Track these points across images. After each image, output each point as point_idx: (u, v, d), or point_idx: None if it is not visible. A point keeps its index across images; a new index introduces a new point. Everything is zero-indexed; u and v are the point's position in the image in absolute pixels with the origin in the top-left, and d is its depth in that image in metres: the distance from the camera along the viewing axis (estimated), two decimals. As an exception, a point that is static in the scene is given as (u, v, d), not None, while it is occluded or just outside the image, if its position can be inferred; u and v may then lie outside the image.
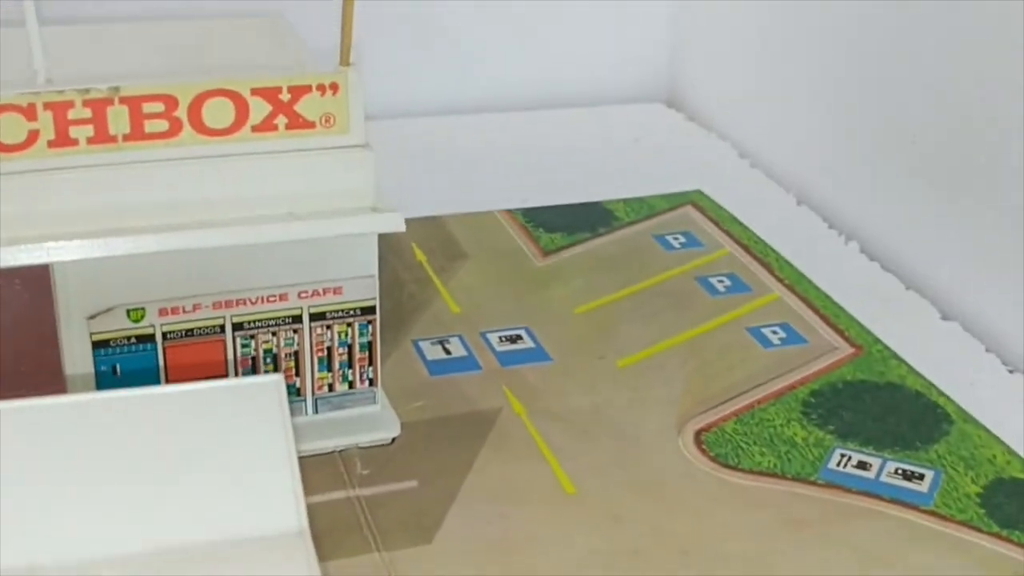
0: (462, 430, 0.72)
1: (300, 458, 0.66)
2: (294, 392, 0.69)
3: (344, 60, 0.63)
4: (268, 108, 0.62)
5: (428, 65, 1.33)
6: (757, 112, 1.23)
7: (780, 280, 0.92)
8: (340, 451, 0.69)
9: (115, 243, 0.58)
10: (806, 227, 1.06)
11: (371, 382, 0.71)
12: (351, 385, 0.70)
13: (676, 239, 0.98)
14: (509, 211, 1.01)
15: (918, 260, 0.97)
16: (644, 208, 1.04)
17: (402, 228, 0.62)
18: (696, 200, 1.06)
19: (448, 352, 0.81)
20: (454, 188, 1.10)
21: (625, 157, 1.22)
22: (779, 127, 1.18)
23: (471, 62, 1.33)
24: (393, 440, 0.70)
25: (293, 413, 0.70)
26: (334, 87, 0.63)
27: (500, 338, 0.82)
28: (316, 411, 0.70)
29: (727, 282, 0.91)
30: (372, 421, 0.71)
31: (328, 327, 0.69)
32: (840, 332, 0.85)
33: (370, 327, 0.69)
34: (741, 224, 1.01)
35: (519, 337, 0.83)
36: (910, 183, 0.99)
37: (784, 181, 1.15)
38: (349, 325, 0.69)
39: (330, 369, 0.70)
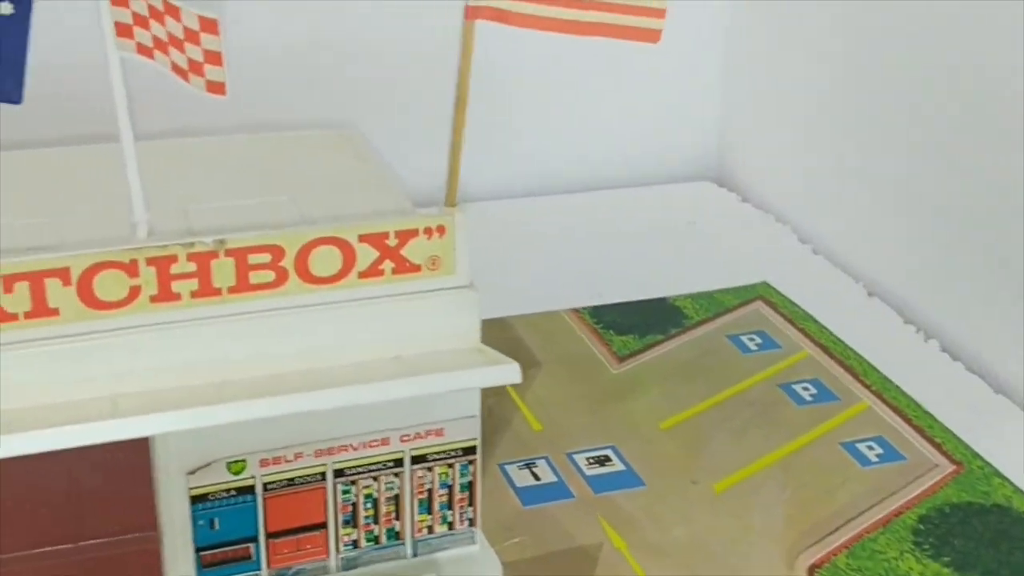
0: (565, 569, 0.69)
1: None
2: (393, 536, 0.67)
3: (450, 201, 0.61)
4: (375, 254, 0.60)
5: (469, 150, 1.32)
6: (813, 192, 1.21)
7: (866, 386, 0.89)
8: (445, 600, 0.67)
9: (222, 411, 0.55)
10: (880, 322, 1.03)
11: (471, 522, 0.68)
12: (450, 526, 0.68)
13: (752, 340, 0.96)
14: (576, 311, 0.99)
15: (1006, 362, 0.94)
16: (712, 305, 1.01)
17: (519, 380, 0.59)
18: (764, 294, 1.03)
19: (537, 478, 0.78)
20: (510, 276, 1.07)
21: (682, 242, 1.20)
22: (839, 208, 1.16)
23: (510, 145, 1.32)
24: None
25: (389, 557, 0.68)
26: (440, 230, 0.61)
27: (588, 459, 0.80)
28: (415, 554, 0.67)
29: (812, 389, 0.89)
30: (473, 563, 0.68)
31: (429, 469, 0.66)
32: (937, 446, 0.82)
33: (471, 467, 0.67)
34: (815, 321, 0.99)
35: (607, 459, 0.80)
36: (988, 271, 0.97)
37: (850, 269, 1.13)
38: (450, 466, 0.66)
39: (430, 512, 0.67)
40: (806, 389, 0.89)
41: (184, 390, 0.58)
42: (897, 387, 0.89)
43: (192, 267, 0.57)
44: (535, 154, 1.32)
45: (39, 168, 0.72)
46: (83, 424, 0.54)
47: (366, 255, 0.60)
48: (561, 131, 1.32)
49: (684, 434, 0.83)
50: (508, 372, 0.59)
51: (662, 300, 1.01)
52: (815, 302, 1.04)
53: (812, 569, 0.70)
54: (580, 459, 0.80)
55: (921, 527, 0.74)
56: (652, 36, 0.56)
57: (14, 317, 0.55)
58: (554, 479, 0.78)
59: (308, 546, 0.65)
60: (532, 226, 1.22)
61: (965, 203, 1.00)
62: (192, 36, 0.51)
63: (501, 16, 0.55)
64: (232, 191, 0.68)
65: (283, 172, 0.75)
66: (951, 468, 0.80)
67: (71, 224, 0.62)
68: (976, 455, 0.81)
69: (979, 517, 0.75)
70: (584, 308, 0.99)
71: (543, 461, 0.79)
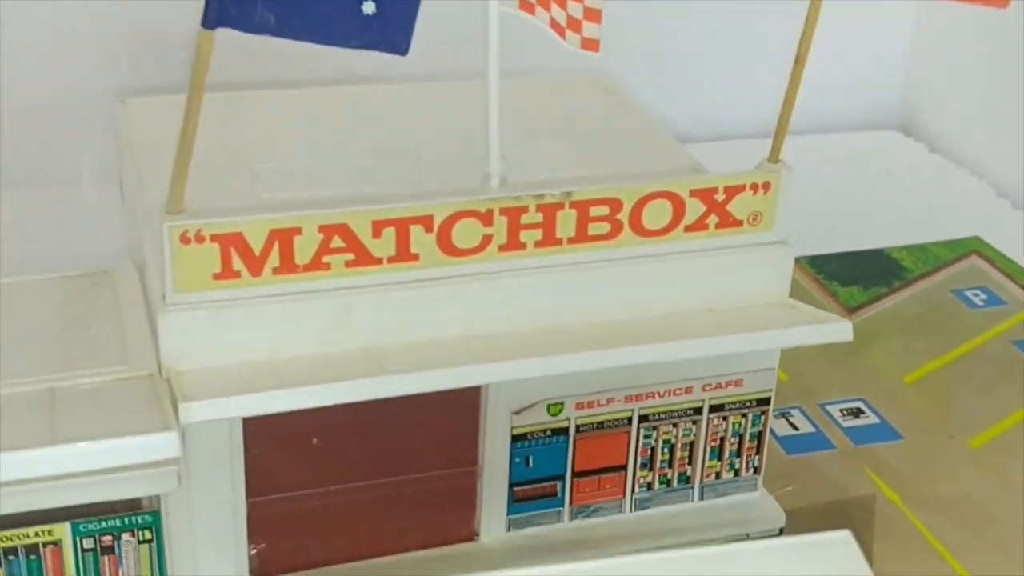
0: (842, 519, 0.71)
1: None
2: (683, 480, 0.69)
3: (774, 157, 0.62)
4: (703, 208, 0.61)
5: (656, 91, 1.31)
6: (1008, 144, 1.20)
7: (1101, 345, 0.90)
8: (732, 541, 0.69)
9: (559, 361, 0.57)
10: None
11: (755, 470, 0.70)
12: (736, 473, 0.70)
13: (976, 296, 0.96)
14: (797, 259, 1.00)
15: None
16: (929, 258, 1.02)
17: (850, 338, 0.61)
18: (978, 248, 1.03)
19: (795, 428, 0.80)
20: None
21: (877, 192, 1.20)
22: None
23: (698, 89, 1.31)
24: (780, 531, 0.70)
25: (677, 500, 0.71)
26: (766, 186, 0.62)
27: (841, 411, 0.81)
28: (702, 498, 0.69)
29: (1048, 348, 0.90)
30: (756, 509, 0.70)
31: (724, 418, 0.68)
32: None
33: (762, 417, 0.68)
34: (1035, 278, 0.99)
35: (860, 411, 0.82)
36: None
37: None
38: (744, 416, 0.68)
39: (720, 458, 0.69)
40: None
41: (522, 336, 0.60)
42: None
43: (539, 218, 0.59)
44: (717, 99, 1.33)
45: (361, 105, 0.75)
46: (440, 369, 0.56)
47: (695, 209, 0.62)
48: (740, 74, 1.32)
49: (930, 388, 0.84)
50: (840, 330, 0.61)
51: (878, 252, 1.02)
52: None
53: (1086, 529, 0.72)
54: (833, 410, 0.81)
55: None
56: (1002, 2, 0.57)
57: (379, 261, 0.57)
58: (812, 429, 0.80)
59: (608, 486, 0.67)
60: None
61: None
62: (576, -7, 0.53)
63: None
64: (519, 137, 0.70)
65: (557, 118, 0.76)
66: None
67: (409, 169, 0.65)
68: None
69: None
70: (803, 257, 1.00)
71: (797, 411, 0.81)
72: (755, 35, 1.27)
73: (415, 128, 0.74)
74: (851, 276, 0.98)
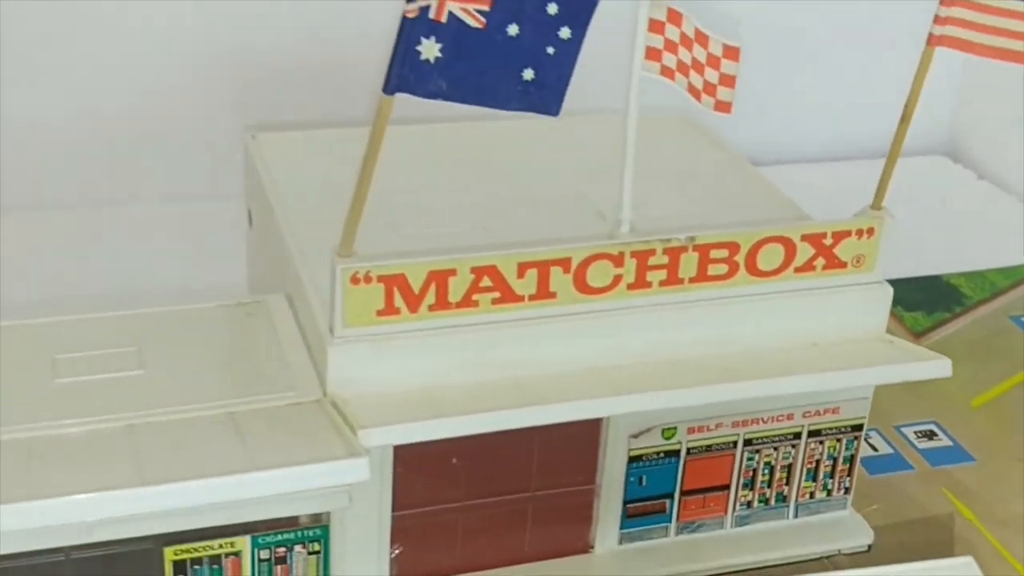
0: (923, 536, 0.76)
1: (787, 564, 0.72)
2: (780, 499, 0.74)
3: (877, 204, 0.68)
4: (812, 251, 0.67)
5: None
6: None
7: None
8: (825, 557, 0.75)
9: (682, 395, 0.62)
10: None
11: (846, 491, 0.75)
12: (828, 493, 0.75)
13: None
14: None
15: None
16: (986, 284, 1.07)
17: (949, 374, 0.66)
18: None
19: (874, 449, 0.85)
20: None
21: (929, 217, 1.24)
22: None
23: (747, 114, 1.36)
24: (869, 547, 0.75)
25: (774, 518, 0.76)
26: (870, 231, 0.67)
27: (916, 433, 0.87)
28: (796, 516, 0.75)
29: (1104, 374, 0.95)
30: (846, 527, 0.75)
31: (821, 442, 0.73)
32: None
33: (855, 442, 0.74)
34: (1088, 306, 1.04)
35: (934, 433, 0.87)
36: None
37: None
38: (839, 440, 0.74)
39: (815, 479, 0.74)
40: None
41: (647, 368, 0.65)
42: None
43: (665, 260, 0.64)
44: (765, 124, 1.38)
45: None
46: (581, 401, 0.62)
47: (804, 252, 0.67)
48: (794, 101, 1.37)
49: (997, 412, 0.89)
50: (939, 367, 0.66)
51: (937, 278, 1.07)
52: None
53: None
54: (908, 432, 0.86)
55: None
56: None
57: (521, 298, 0.62)
58: (890, 451, 0.85)
59: (711, 504, 0.73)
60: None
61: None
62: (713, 61, 0.58)
63: (965, 46, 0.61)
64: (609, 175, 0.74)
65: (653, 158, 0.81)
66: None
67: (539, 213, 0.70)
68: None
69: None
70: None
71: (874, 432, 0.86)
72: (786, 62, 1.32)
73: (532, 162, 0.80)
74: (914, 301, 1.03)
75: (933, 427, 0.88)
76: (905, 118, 0.65)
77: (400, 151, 0.81)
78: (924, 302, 1.05)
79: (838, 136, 1.44)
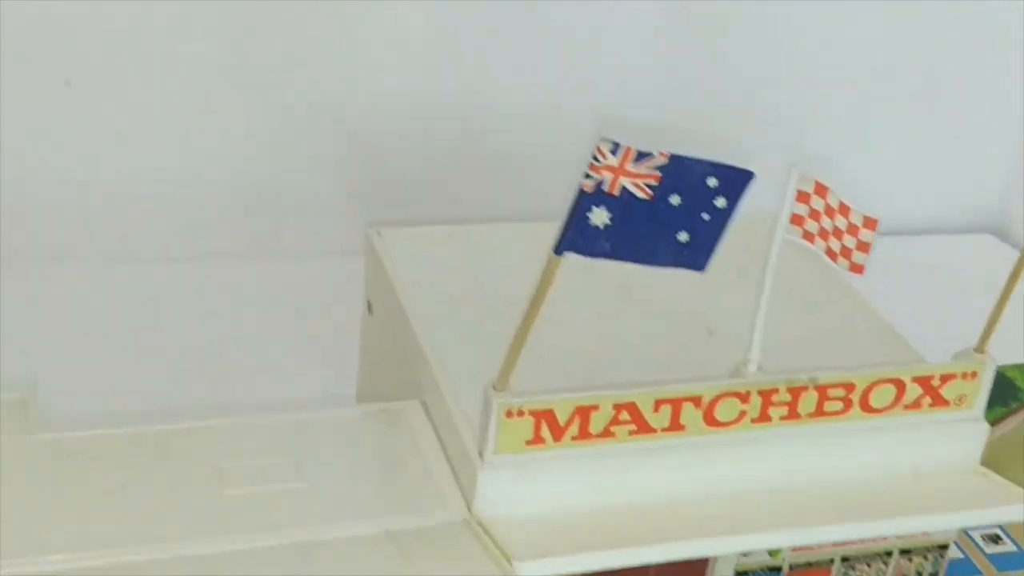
0: None
1: None
2: None
3: (981, 347, 0.72)
4: (920, 391, 0.71)
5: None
6: None
7: None
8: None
9: (807, 533, 0.68)
10: None
11: None
12: None
13: None
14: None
15: None
16: None
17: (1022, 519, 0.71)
18: None
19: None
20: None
21: (973, 301, 1.29)
22: None
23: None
24: None
25: None
26: (974, 375, 0.72)
27: (983, 537, 0.91)
28: None
29: None
30: None
31: (910, 560, 0.78)
32: None
33: (941, 559, 0.79)
34: None
35: (999, 537, 0.92)
36: None
37: None
38: (925, 558, 0.78)
39: None
40: None
41: (763, 498, 0.70)
42: None
43: (787, 397, 0.69)
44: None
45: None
46: (715, 538, 0.67)
47: (913, 391, 0.71)
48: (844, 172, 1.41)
49: None
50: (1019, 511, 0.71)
51: (994, 370, 1.12)
52: None
53: None
54: (975, 536, 0.91)
55: None
56: None
57: (654, 430, 0.67)
58: (960, 555, 0.89)
59: None
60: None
61: None
62: (853, 230, 0.62)
63: None
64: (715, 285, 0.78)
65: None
66: None
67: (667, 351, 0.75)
68: None
69: None
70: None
71: (943, 534, 0.91)
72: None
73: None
74: (973, 395, 1.08)
75: (998, 531, 0.93)
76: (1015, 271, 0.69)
77: (510, 249, 0.86)
78: (982, 396, 1.10)
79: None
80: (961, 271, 1.34)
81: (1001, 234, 1.42)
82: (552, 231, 0.83)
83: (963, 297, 1.33)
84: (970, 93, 1.39)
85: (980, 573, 0.89)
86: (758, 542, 0.67)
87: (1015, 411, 1.08)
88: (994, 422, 1.10)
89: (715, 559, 0.73)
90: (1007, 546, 0.92)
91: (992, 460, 1.04)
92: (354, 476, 0.67)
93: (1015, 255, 1.44)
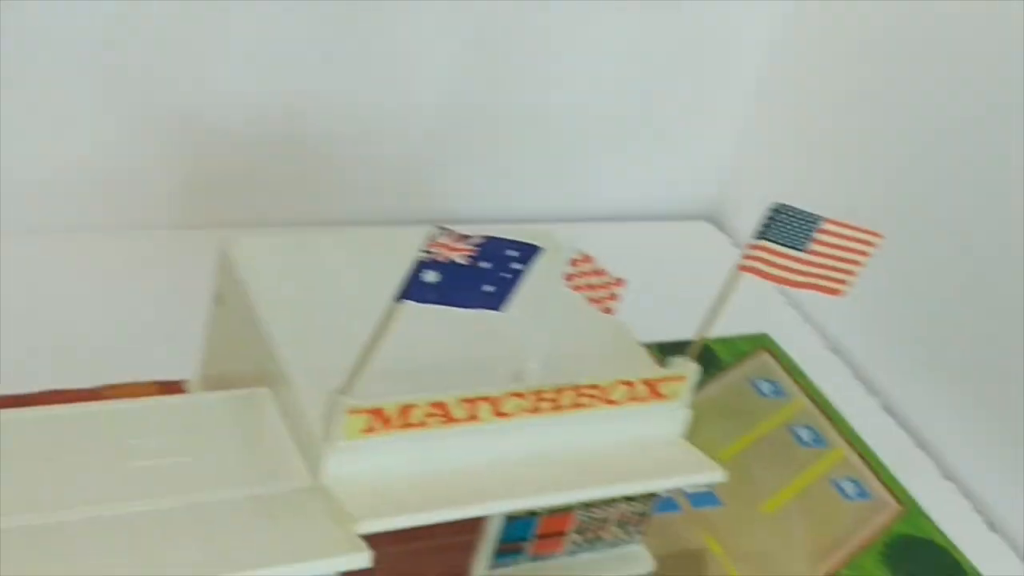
0: (688, 568, 1.09)
1: None
2: (599, 539, 1.04)
3: (692, 355, 0.97)
4: (647, 389, 0.97)
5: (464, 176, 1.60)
6: None
7: (840, 434, 1.32)
8: (619, 583, 1.06)
9: (557, 496, 0.92)
10: (839, 377, 1.45)
11: (640, 532, 1.06)
12: (628, 534, 1.06)
13: (765, 386, 1.36)
14: (646, 345, 1.36)
15: (925, 421, 1.39)
16: (735, 350, 1.41)
17: (722, 479, 0.97)
18: (767, 345, 1.43)
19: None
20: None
21: (680, 284, 1.56)
22: None
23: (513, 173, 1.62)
24: (650, 574, 1.06)
25: (595, 550, 1.06)
26: (683, 377, 0.97)
27: (683, 481, 1.19)
28: (607, 549, 1.05)
29: (809, 434, 1.31)
30: (637, 558, 1.06)
31: (630, 503, 1.04)
32: (888, 489, 1.26)
33: (651, 503, 1.05)
34: (803, 374, 1.40)
35: (696, 481, 1.20)
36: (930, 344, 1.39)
37: (814, 321, 1.52)
38: (641, 502, 1.04)
39: (621, 526, 1.05)
40: (805, 433, 1.31)
41: (537, 468, 0.93)
42: (860, 437, 1.32)
43: (555, 395, 0.92)
44: (524, 182, 1.63)
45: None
46: (504, 500, 0.89)
47: (641, 389, 0.97)
48: (562, 161, 1.63)
49: (736, 465, 1.23)
50: (715, 475, 0.97)
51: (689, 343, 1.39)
52: (796, 350, 1.44)
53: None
54: (678, 480, 1.19)
55: (886, 551, 1.18)
56: (836, 292, 0.93)
57: (458, 420, 0.89)
58: (667, 495, 1.17)
59: (554, 544, 1.02)
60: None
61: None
62: (607, 287, 0.85)
63: (760, 273, 0.91)
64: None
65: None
66: (897, 507, 1.24)
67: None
68: (911, 498, 1.25)
69: (919, 547, 1.19)
70: (651, 344, 1.36)
71: (655, 479, 1.18)
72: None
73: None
74: (681, 364, 1.36)
75: (695, 476, 1.21)
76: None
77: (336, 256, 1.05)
78: (690, 365, 1.38)
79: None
80: (680, 255, 1.61)
81: (717, 222, 1.71)
82: (385, 236, 1.04)
83: (680, 280, 1.60)
84: (694, 92, 1.66)
85: (680, 507, 1.18)
86: (527, 503, 0.91)
87: (714, 377, 1.37)
88: (699, 386, 1.39)
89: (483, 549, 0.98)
90: (702, 487, 1.21)
91: (695, 416, 1.32)
92: (224, 451, 0.86)
93: (725, 242, 1.76)
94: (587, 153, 1.61)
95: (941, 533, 1.23)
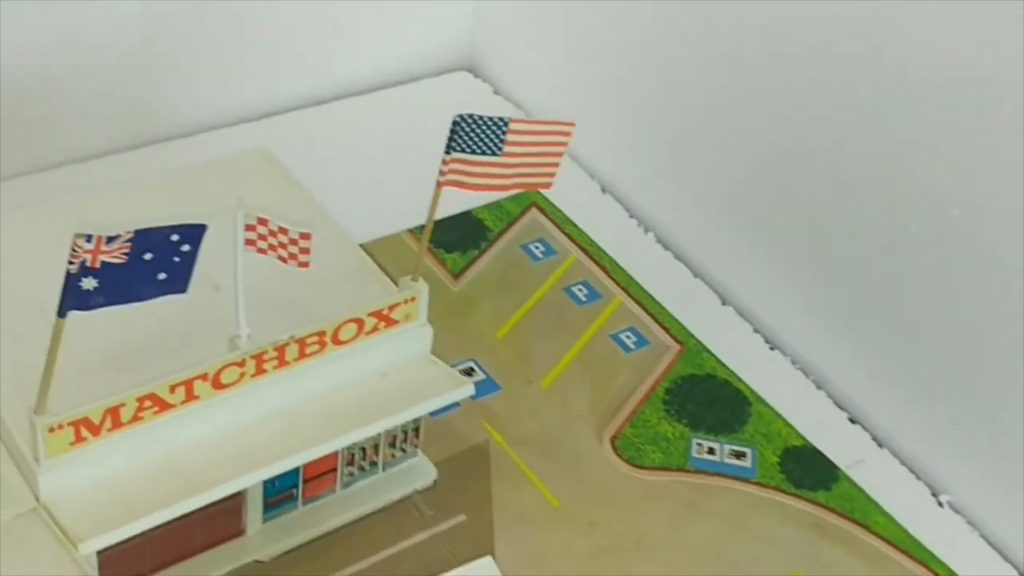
0: (472, 465, 1.08)
1: (380, 510, 1.01)
2: (373, 465, 1.02)
3: (415, 276, 0.93)
4: (376, 321, 0.93)
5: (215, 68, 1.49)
6: (560, 91, 1.54)
7: (617, 283, 1.31)
8: (405, 498, 1.04)
9: (313, 451, 0.89)
10: (612, 216, 1.43)
11: (416, 445, 1.05)
12: (404, 451, 1.04)
13: (537, 248, 1.33)
14: (411, 231, 1.32)
15: (699, 252, 1.38)
16: (504, 215, 1.37)
17: (472, 393, 0.95)
18: (536, 201, 1.40)
19: (432, 393, 1.15)
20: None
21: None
22: (584, 108, 1.51)
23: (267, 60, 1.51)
24: (435, 482, 1.05)
25: (370, 475, 1.04)
26: (414, 299, 0.94)
27: (459, 371, 1.17)
28: (384, 471, 1.03)
29: (584, 291, 1.29)
30: (418, 471, 1.05)
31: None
32: (667, 330, 1.26)
33: (421, 419, 1.03)
34: (574, 224, 1.37)
35: (472, 370, 1.18)
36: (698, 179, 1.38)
37: (586, 164, 1.49)
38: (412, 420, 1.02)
39: (394, 446, 1.03)
40: (580, 291, 1.29)
41: (277, 429, 0.90)
42: (636, 282, 1.32)
43: (275, 353, 0.88)
44: (266, 69, 1.53)
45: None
46: (241, 477, 0.86)
47: (371, 323, 0.93)
48: (306, 38, 1.54)
49: (513, 341, 1.22)
50: (465, 391, 0.95)
51: (467, 214, 1.36)
52: (562, 201, 1.41)
53: (612, 440, 1.13)
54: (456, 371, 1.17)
55: (667, 397, 1.18)
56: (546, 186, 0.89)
57: (174, 406, 0.84)
58: (443, 393, 1.15)
59: (325, 483, 1.00)
60: (297, 145, 1.34)
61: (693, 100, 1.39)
62: (294, 243, 0.81)
63: (462, 185, 0.86)
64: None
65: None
66: (677, 347, 1.24)
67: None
68: (691, 335, 1.26)
69: (700, 385, 1.20)
70: (416, 228, 1.32)
71: (431, 378, 1.16)
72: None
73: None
74: (451, 242, 1.32)
75: (472, 364, 1.19)
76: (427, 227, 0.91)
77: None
78: (459, 241, 1.34)
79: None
80: (443, 110, 1.55)
81: (475, 71, 1.64)
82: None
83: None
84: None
85: (459, 406, 1.16)
86: (279, 468, 0.88)
87: (484, 250, 1.34)
88: (469, 264, 1.37)
89: (249, 502, 0.95)
90: (478, 375, 1.19)
91: (468, 298, 1.30)
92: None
93: (487, 91, 1.70)
94: (328, 29, 1.52)
95: (723, 365, 1.24)
